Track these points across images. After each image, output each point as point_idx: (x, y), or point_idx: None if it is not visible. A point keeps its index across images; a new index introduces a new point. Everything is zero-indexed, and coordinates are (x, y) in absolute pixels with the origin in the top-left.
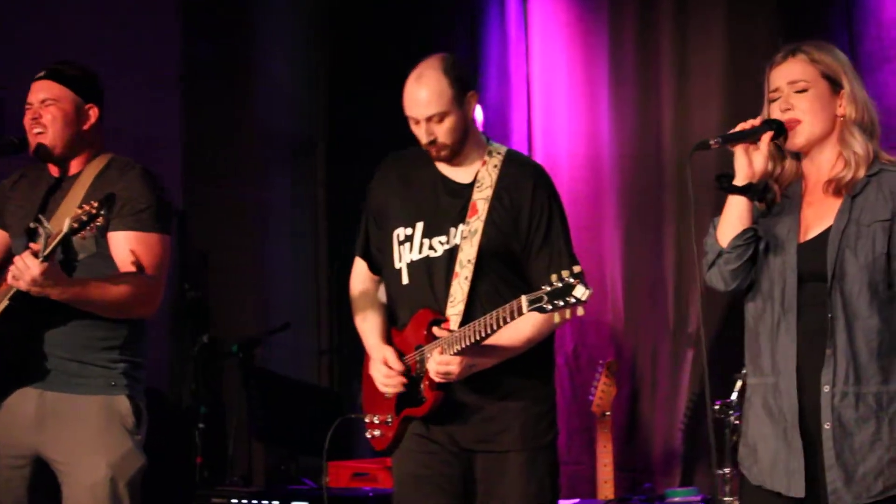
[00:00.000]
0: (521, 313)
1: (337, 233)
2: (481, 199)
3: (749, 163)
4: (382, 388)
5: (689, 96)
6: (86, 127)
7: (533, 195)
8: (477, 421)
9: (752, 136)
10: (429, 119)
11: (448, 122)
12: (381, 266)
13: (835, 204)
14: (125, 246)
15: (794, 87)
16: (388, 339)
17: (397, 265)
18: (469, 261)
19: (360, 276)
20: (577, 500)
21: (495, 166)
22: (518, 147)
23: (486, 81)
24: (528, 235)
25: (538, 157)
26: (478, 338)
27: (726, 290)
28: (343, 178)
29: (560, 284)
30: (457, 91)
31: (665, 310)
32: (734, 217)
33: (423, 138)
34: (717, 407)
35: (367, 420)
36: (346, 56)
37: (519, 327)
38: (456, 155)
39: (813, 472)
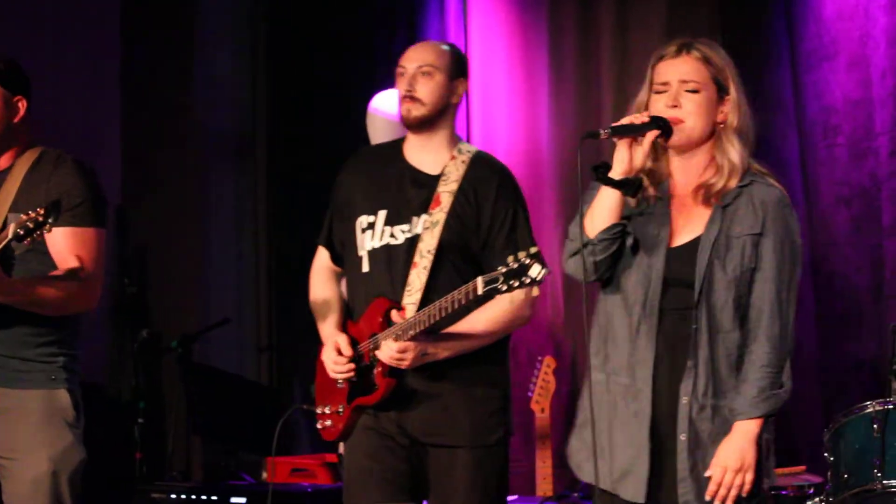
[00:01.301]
0: (476, 294)
1: (277, 229)
2: (446, 192)
3: (630, 157)
4: (332, 374)
5: (628, 89)
6: (16, 120)
7: (497, 195)
8: (428, 414)
9: (639, 131)
10: (418, 68)
11: (434, 81)
12: (343, 257)
13: (705, 212)
14: (63, 242)
15: (686, 87)
16: (344, 329)
17: (360, 252)
18: (429, 251)
19: (321, 265)
20: (515, 497)
21: (463, 162)
22: None
23: None
24: (489, 234)
25: None
26: (433, 321)
27: (585, 281)
28: (284, 175)
29: (516, 265)
30: (453, 64)
31: None
32: (605, 209)
33: (403, 87)
34: None
35: (318, 411)
36: (287, 54)
37: (473, 320)
38: (426, 125)
39: (658, 479)
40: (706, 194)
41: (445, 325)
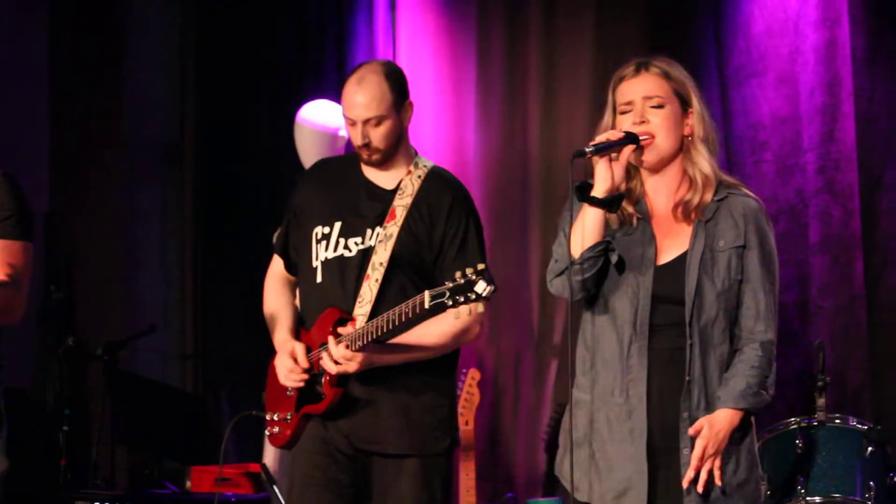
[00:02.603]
0: (423, 308)
1: (204, 238)
2: (401, 206)
3: (610, 175)
4: (284, 381)
5: (556, 104)
6: None
7: (450, 210)
8: (374, 422)
9: (616, 147)
10: (366, 122)
11: (384, 127)
12: (297, 266)
13: (686, 229)
14: None
15: (650, 103)
16: (297, 338)
17: (314, 263)
18: (381, 264)
19: (276, 273)
20: None
21: (419, 177)
22: None
23: None
24: (440, 248)
25: None
26: (380, 332)
27: (571, 300)
28: (211, 184)
29: (462, 281)
30: (396, 97)
31: (529, 319)
32: (589, 228)
33: (358, 140)
34: None
35: (267, 417)
36: (217, 62)
37: (421, 333)
38: (387, 160)
39: (655, 493)
40: (685, 210)
41: (394, 336)
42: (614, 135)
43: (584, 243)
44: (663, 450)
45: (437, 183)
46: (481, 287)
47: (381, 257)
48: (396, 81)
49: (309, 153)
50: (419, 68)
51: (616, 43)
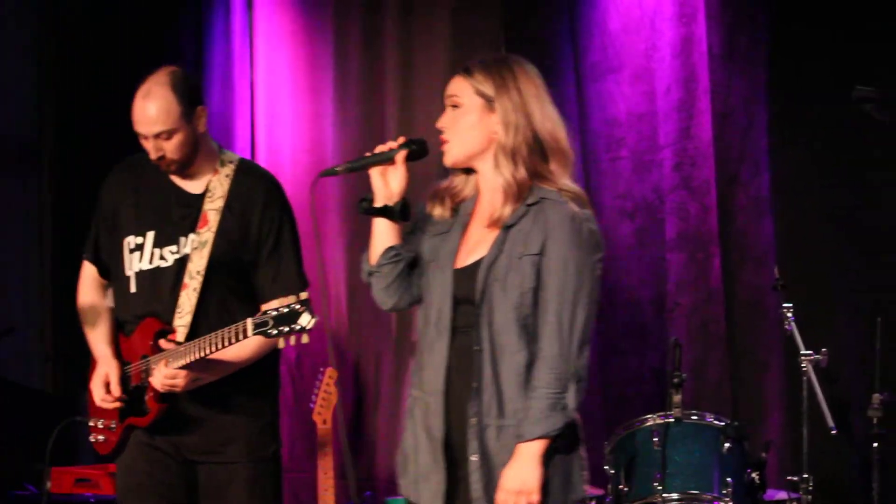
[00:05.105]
0: (245, 336)
1: (63, 238)
2: (212, 210)
3: (385, 184)
4: (99, 404)
5: (413, 103)
6: None
7: (264, 207)
8: (201, 432)
9: (384, 160)
10: (157, 136)
11: (176, 139)
12: (110, 271)
13: (492, 233)
14: None
15: (449, 102)
16: (116, 343)
17: (127, 273)
18: (198, 272)
19: (89, 280)
20: None
21: (227, 176)
22: (241, 155)
23: (210, 89)
24: (257, 247)
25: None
26: (202, 355)
27: (388, 309)
28: (70, 183)
29: (286, 310)
30: (185, 107)
31: (388, 317)
32: (378, 237)
33: (152, 154)
34: None
35: (91, 424)
36: (74, 61)
37: (244, 345)
38: (186, 168)
39: (453, 490)
40: (491, 215)
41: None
42: (388, 145)
43: (374, 253)
44: (463, 458)
45: (247, 179)
46: (305, 319)
47: (197, 265)
48: (185, 91)
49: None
50: (276, 68)
51: (472, 41)
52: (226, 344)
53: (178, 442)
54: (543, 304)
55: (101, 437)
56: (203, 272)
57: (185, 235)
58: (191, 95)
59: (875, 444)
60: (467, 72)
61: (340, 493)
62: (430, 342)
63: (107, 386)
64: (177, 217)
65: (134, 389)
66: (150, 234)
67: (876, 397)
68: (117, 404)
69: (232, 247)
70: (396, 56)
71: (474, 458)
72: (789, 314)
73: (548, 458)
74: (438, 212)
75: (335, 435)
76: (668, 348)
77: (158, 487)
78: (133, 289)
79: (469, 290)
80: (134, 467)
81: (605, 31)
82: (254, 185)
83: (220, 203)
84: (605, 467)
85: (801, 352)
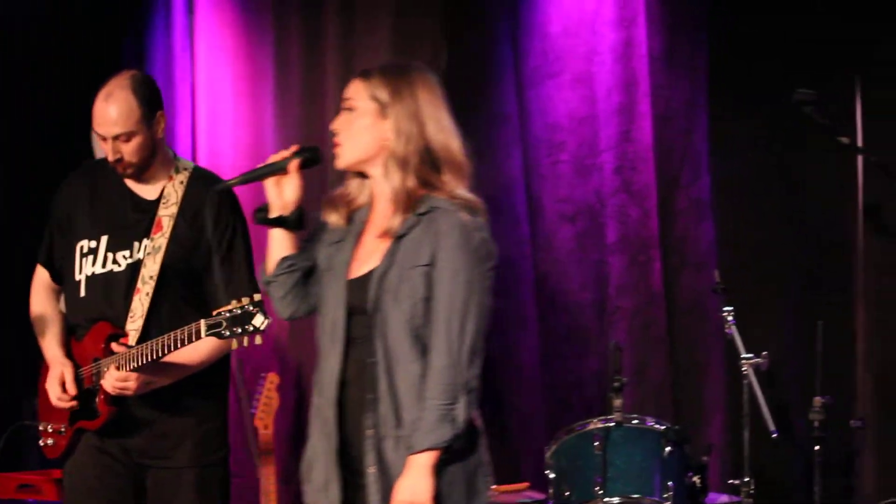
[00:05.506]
0: (199, 337)
1: (3, 244)
2: (166, 216)
3: (280, 194)
4: (55, 404)
5: None
6: None
7: (217, 213)
8: (151, 436)
9: (275, 170)
10: (116, 137)
11: (135, 142)
12: (62, 276)
13: (385, 243)
14: None
15: (345, 105)
16: (68, 347)
17: (77, 277)
18: (151, 277)
19: (41, 285)
20: None
21: (182, 182)
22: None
23: None
24: (209, 253)
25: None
26: (154, 357)
27: (286, 318)
28: (4, 187)
29: (239, 311)
30: (145, 111)
31: None
32: (274, 247)
33: (110, 156)
34: None
35: (41, 428)
36: (11, 62)
37: (197, 348)
38: (143, 172)
39: (355, 501)
40: (383, 226)
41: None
42: (280, 154)
43: (271, 263)
44: (361, 471)
45: (202, 186)
46: (259, 320)
47: (150, 270)
48: (146, 95)
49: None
50: (217, 71)
51: (413, 44)
52: (178, 346)
53: (128, 445)
54: (433, 315)
55: (50, 441)
56: (156, 277)
57: (139, 241)
58: (151, 100)
59: (816, 447)
60: (366, 76)
61: (282, 499)
62: (326, 352)
63: (63, 386)
64: (131, 222)
65: (85, 393)
66: (104, 239)
67: (817, 400)
68: (73, 403)
69: (185, 253)
70: (337, 57)
71: (371, 469)
72: (729, 318)
73: (447, 468)
74: (334, 219)
75: (277, 440)
76: (609, 352)
77: (107, 492)
78: (83, 293)
79: (362, 301)
80: (83, 471)
81: (546, 36)
82: (208, 193)
83: (174, 209)
84: (547, 471)
85: (742, 355)
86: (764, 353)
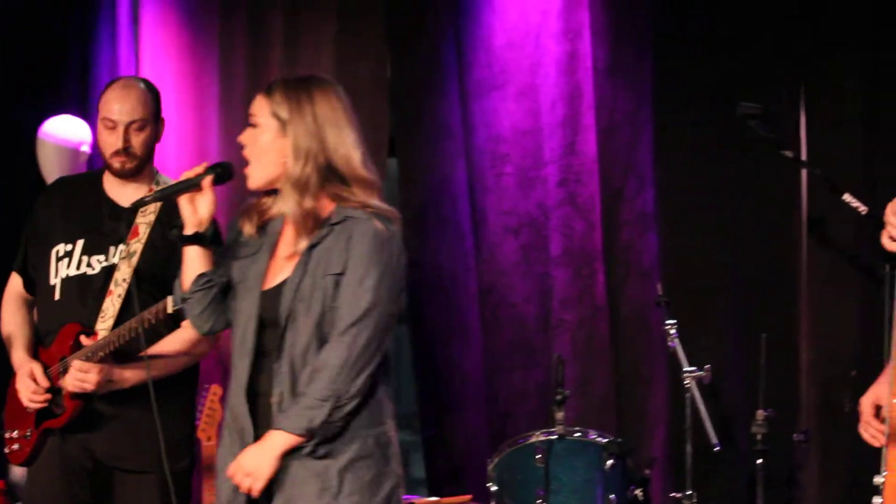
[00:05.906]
0: (165, 313)
1: None
2: (144, 223)
3: (194, 210)
4: (28, 404)
5: None
6: None
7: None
8: (116, 438)
9: (188, 187)
10: (129, 124)
11: (145, 134)
12: (36, 284)
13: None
14: None
15: (250, 120)
16: (36, 356)
17: (52, 281)
18: (124, 280)
19: (13, 292)
20: None
21: None
22: None
23: (96, 97)
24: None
25: None
26: (122, 341)
27: (204, 333)
28: None
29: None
30: (156, 108)
31: None
32: (190, 264)
33: (118, 143)
34: None
35: (6, 435)
36: None
37: (157, 348)
38: (137, 172)
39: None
40: (292, 245)
41: (135, 352)
42: (194, 171)
43: (187, 279)
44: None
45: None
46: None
47: (123, 273)
48: (156, 95)
49: (51, 168)
50: (162, 82)
51: (357, 55)
52: (146, 325)
53: (91, 445)
54: (336, 317)
55: (15, 447)
56: (128, 280)
57: (115, 245)
58: (159, 103)
59: (759, 461)
60: (268, 91)
61: None
62: (235, 364)
63: (35, 381)
64: (108, 228)
65: (52, 391)
66: (80, 242)
67: (760, 413)
68: (47, 396)
69: (159, 259)
70: (281, 69)
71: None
72: (672, 331)
73: (348, 476)
74: (248, 229)
75: None
76: (552, 365)
77: (70, 497)
78: (57, 296)
79: (275, 312)
80: (46, 476)
81: (490, 48)
82: None
83: (151, 217)
84: (489, 484)
85: (685, 368)
86: (707, 366)
